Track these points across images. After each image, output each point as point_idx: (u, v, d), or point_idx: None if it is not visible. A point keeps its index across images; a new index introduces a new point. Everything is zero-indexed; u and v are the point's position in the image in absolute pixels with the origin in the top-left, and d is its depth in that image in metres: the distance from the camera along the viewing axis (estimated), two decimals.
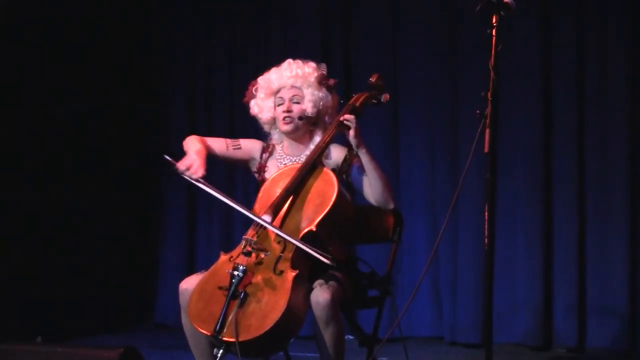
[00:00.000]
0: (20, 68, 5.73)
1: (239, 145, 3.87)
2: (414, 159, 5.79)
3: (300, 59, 3.87)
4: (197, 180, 3.59)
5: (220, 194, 3.57)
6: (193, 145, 3.74)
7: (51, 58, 5.91)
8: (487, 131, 3.23)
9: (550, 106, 5.42)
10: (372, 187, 3.68)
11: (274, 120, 3.88)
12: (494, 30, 3.31)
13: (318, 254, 3.39)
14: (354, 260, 3.80)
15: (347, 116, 3.66)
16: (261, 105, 3.87)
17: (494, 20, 3.32)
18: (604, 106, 5.29)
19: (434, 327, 5.72)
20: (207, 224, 6.36)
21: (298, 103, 3.79)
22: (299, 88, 3.80)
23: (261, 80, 3.87)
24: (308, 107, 3.78)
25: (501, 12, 3.32)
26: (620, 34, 5.24)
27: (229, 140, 3.87)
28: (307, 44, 5.96)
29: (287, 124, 3.79)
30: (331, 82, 3.84)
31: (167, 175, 6.25)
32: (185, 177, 3.61)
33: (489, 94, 3.27)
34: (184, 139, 6.29)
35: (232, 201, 3.56)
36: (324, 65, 3.91)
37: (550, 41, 5.41)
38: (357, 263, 3.81)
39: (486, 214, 3.24)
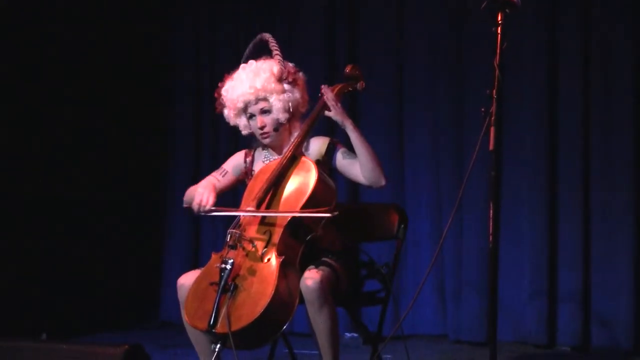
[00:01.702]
0: (21, 68, 5.74)
1: (225, 170, 3.93)
2: (419, 156, 5.78)
3: (254, 60, 3.85)
4: (211, 212, 3.69)
5: (237, 211, 3.68)
6: (198, 186, 3.81)
7: (51, 57, 5.91)
8: (492, 129, 3.23)
9: (556, 104, 5.41)
10: (362, 165, 3.69)
11: (254, 134, 3.90)
12: (499, 28, 3.31)
13: (313, 212, 3.49)
14: (352, 251, 3.81)
15: (324, 90, 3.70)
16: (235, 122, 3.90)
17: (499, 18, 3.31)
18: (609, 104, 5.28)
19: (438, 325, 5.72)
20: (211, 223, 6.36)
21: (268, 112, 3.79)
22: (264, 98, 3.77)
23: (225, 93, 3.86)
24: (279, 114, 3.78)
25: (506, 10, 3.31)
26: (626, 32, 5.23)
27: (215, 173, 3.93)
28: (312, 40, 5.96)
29: (266, 138, 3.83)
30: (290, 75, 3.80)
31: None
32: (203, 214, 3.72)
33: (494, 91, 3.27)
34: (189, 136, 6.41)
35: (244, 211, 3.63)
36: (266, 35, 3.87)
37: (556, 38, 5.40)
38: (358, 254, 3.82)
39: (491, 211, 3.24)
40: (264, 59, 3.86)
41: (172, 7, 6.62)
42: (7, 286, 5.55)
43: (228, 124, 6.20)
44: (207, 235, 6.44)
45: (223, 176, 3.90)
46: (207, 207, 3.68)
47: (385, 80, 5.80)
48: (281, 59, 3.82)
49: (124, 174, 6.38)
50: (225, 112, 3.90)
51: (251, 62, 3.85)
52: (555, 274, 5.39)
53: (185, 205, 3.85)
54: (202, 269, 3.63)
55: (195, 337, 3.61)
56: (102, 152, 6.27)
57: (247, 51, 3.93)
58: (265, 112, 3.78)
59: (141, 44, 6.49)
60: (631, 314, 5.17)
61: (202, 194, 3.70)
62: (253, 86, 3.76)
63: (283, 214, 3.53)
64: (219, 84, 3.91)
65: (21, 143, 5.75)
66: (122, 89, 6.35)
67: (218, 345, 3.36)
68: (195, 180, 6.53)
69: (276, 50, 3.84)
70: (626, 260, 5.20)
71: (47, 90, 5.89)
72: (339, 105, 3.70)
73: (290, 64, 3.86)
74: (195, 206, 3.70)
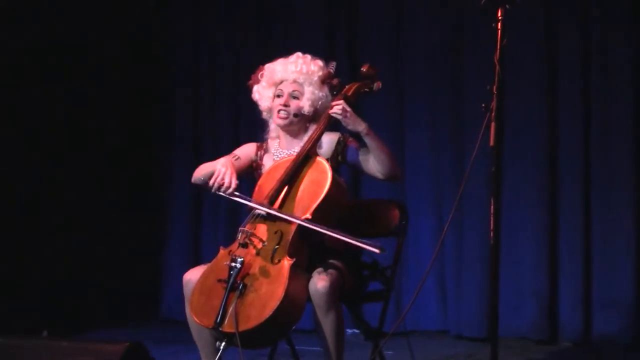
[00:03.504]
0: (20, 65, 5.73)
1: (237, 156, 3.86)
2: (420, 152, 5.79)
3: (310, 54, 3.86)
4: (232, 195, 3.59)
5: (254, 202, 3.60)
6: (216, 162, 3.70)
7: (51, 50, 5.90)
8: (493, 125, 3.23)
9: (556, 100, 5.41)
10: (380, 164, 3.68)
11: (271, 110, 3.88)
12: (499, 24, 3.30)
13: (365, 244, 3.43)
14: (355, 250, 3.80)
15: (335, 108, 3.66)
16: (262, 93, 3.87)
17: (499, 14, 3.31)
18: (609, 100, 5.29)
19: (439, 320, 5.73)
20: (212, 218, 6.37)
21: (297, 98, 3.78)
22: (301, 84, 3.79)
23: (267, 67, 3.87)
24: (305, 105, 3.78)
25: (506, 6, 3.31)
26: (626, 28, 5.23)
27: (229, 157, 3.83)
28: (311, 39, 5.95)
29: (282, 118, 3.78)
30: (335, 82, 3.81)
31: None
32: (220, 194, 3.61)
33: (494, 87, 3.27)
34: (189, 133, 6.41)
35: (264, 206, 3.56)
36: (333, 64, 3.88)
37: (556, 34, 5.41)
38: (360, 254, 3.81)
39: (491, 207, 3.24)
40: (320, 60, 3.87)
41: (172, 5, 6.60)
42: (8, 283, 5.55)
43: (228, 122, 6.32)
44: (207, 232, 6.43)
45: (236, 160, 3.80)
46: (230, 190, 3.60)
47: (385, 77, 5.76)
48: (334, 71, 3.84)
49: (124, 171, 6.38)
50: (255, 87, 3.88)
51: (308, 55, 3.86)
52: (556, 269, 5.40)
53: (197, 182, 3.72)
54: (209, 264, 3.59)
55: (199, 333, 3.58)
56: (101, 150, 6.27)
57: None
58: (294, 96, 3.78)
59: (140, 41, 6.48)
60: (631, 309, 5.19)
61: (223, 173, 3.60)
62: (300, 66, 3.78)
63: (321, 230, 3.45)
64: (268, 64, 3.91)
65: (20, 141, 5.75)
66: (121, 88, 6.34)
67: (223, 343, 3.33)
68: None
69: (332, 68, 3.86)
70: (627, 256, 5.22)
71: (46, 88, 5.88)
72: (349, 112, 3.65)
73: (337, 79, 3.85)
74: (215, 184, 3.60)
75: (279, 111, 3.79)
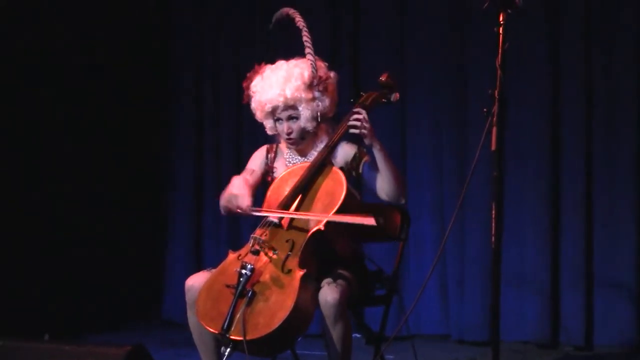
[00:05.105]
0: (20, 66, 5.73)
1: (252, 169, 3.86)
2: (422, 156, 5.78)
3: (282, 59, 3.81)
4: (252, 211, 3.59)
5: (274, 213, 3.59)
6: (232, 185, 3.71)
7: (51, 50, 5.90)
8: (494, 129, 3.23)
9: (558, 103, 5.41)
10: (386, 184, 3.66)
11: (278, 136, 3.87)
12: (500, 28, 3.30)
13: (354, 218, 3.45)
14: (361, 258, 3.79)
15: (355, 121, 3.63)
16: (261, 120, 3.85)
17: (500, 18, 3.31)
18: (612, 103, 5.28)
19: (441, 325, 5.72)
20: (214, 222, 6.37)
21: (296, 118, 3.75)
22: (293, 106, 3.73)
23: (253, 90, 3.81)
24: (307, 125, 3.75)
25: (508, 10, 3.31)
26: (628, 30, 5.23)
27: (244, 174, 3.84)
28: (313, 38, 5.95)
29: (291, 144, 3.79)
30: (321, 83, 3.75)
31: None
32: (240, 213, 3.62)
33: (496, 92, 3.27)
34: (191, 136, 6.40)
35: (284, 212, 3.56)
36: (304, 30, 3.84)
37: (558, 38, 5.40)
38: (364, 261, 3.81)
39: (493, 211, 3.24)
40: (295, 60, 3.80)
41: (172, 4, 6.61)
42: (9, 286, 5.55)
43: (230, 122, 6.32)
44: (209, 233, 6.43)
45: (251, 175, 3.81)
46: (248, 211, 3.59)
47: None
48: (313, 59, 3.76)
49: (126, 173, 6.38)
50: (253, 104, 3.85)
51: (282, 63, 3.81)
52: (558, 274, 5.39)
53: (224, 213, 3.76)
54: (213, 270, 3.58)
55: (201, 337, 3.57)
56: (103, 152, 6.27)
57: (270, 26, 3.95)
58: (292, 118, 3.75)
59: (142, 42, 6.48)
60: (634, 313, 5.18)
61: (237, 198, 3.62)
62: (283, 93, 3.70)
63: (329, 218, 3.46)
64: (247, 75, 3.87)
65: (20, 141, 5.75)
66: (123, 88, 6.34)
67: (228, 349, 3.32)
68: (198, 180, 6.62)
69: (308, 44, 3.79)
70: (629, 260, 5.21)
71: (46, 89, 5.88)
72: (369, 125, 3.62)
73: (323, 64, 3.81)
74: (237, 210, 3.62)
75: (286, 139, 3.79)
